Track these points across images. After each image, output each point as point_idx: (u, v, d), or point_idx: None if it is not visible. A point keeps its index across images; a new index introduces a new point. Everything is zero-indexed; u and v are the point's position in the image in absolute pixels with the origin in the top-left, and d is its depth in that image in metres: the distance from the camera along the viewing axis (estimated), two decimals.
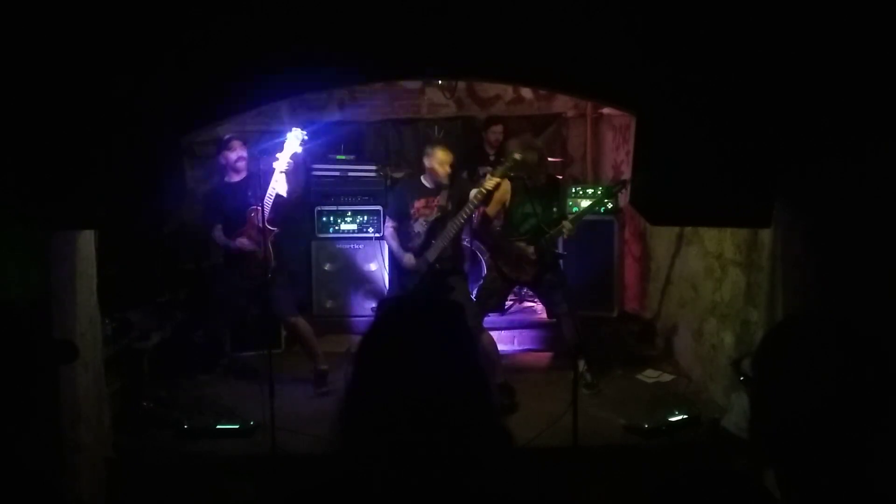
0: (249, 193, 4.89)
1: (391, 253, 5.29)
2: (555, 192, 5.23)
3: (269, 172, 4.78)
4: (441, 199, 4.92)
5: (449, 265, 4.93)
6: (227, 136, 5.11)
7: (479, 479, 1.14)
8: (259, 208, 4.65)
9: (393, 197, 5.33)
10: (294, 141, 4.80)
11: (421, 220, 4.95)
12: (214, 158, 5.26)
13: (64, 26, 2.90)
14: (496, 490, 1.15)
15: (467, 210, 4.76)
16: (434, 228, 4.92)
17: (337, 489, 1.16)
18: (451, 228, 4.83)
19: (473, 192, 4.72)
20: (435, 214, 4.91)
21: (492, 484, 1.15)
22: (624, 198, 6.32)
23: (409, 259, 4.95)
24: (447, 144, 5.01)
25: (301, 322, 5.16)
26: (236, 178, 5.04)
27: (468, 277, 5.37)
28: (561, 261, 5.24)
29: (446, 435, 1.11)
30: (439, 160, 4.84)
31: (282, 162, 4.75)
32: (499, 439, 1.18)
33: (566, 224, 5.04)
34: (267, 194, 4.72)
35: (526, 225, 5.08)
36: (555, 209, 5.13)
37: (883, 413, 1.18)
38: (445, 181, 4.90)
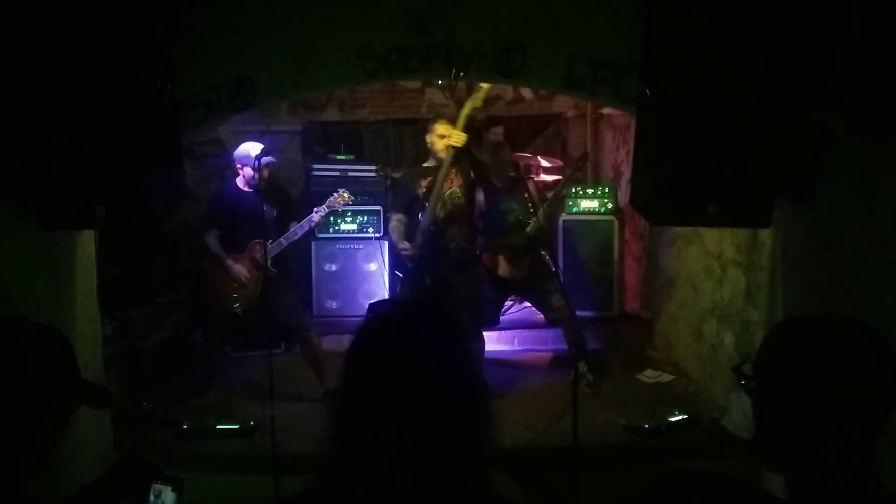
0: (269, 209, 4.65)
1: (392, 248, 5.13)
2: (520, 189, 5.12)
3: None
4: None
5: (462, 256, 4.74)
6: (264, 153, 4.46)
7: (467, 488, 1.11)
8: (263, 242, 4.55)
9: (397, 189, 5.18)
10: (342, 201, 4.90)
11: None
12: (224, 160, 5.00)
13: (64, 26, 2.90)
14: (485, 499, 1.13)
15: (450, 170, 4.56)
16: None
17: (328, 494, 1.14)
18: (441, 191, 4.56)
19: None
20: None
21: (480, 493, 1.12)
22: (623, 196, 6.33)
23: (405, 245, 4.72)
24: (451, 119, 4.71)
25: (315, 337, 4.96)
26: (246, 188, 4.74)
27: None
28: (547, 257, 5.08)
29: (435, 443, 1.09)
30: (437, 133, 4.64)
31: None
32: (490, 448, 1.15)
33: (533, 223, 4.99)
34: (308, 219, 4.74)
35: (509, 218, 5.11)
36: (529, 204, 5.05)
37: (891, 412, 1.17)
38: (442, 155, 4.61)
